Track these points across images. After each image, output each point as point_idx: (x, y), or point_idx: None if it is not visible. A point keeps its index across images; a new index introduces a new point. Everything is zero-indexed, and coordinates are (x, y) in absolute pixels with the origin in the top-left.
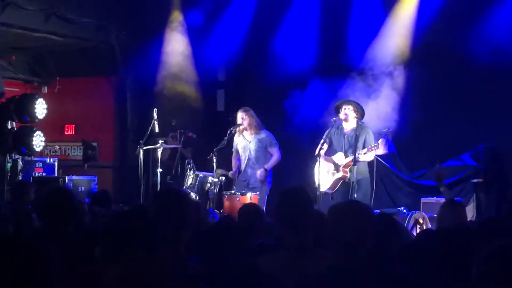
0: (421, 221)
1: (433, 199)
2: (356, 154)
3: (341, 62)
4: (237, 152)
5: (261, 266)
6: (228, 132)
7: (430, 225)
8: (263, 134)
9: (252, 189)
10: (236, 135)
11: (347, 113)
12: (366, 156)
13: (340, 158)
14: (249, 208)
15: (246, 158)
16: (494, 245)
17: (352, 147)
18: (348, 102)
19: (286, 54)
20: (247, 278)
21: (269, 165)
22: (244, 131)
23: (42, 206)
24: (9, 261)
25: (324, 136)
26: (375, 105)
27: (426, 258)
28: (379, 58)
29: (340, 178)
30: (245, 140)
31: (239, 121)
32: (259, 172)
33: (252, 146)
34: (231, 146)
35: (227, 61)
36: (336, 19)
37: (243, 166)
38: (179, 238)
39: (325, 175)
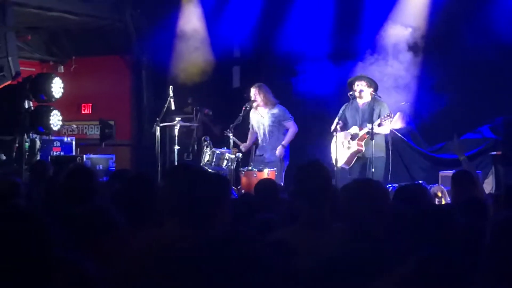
0: (439, 194)
1: (451, 172)
2: (370, 126)
3: (357, 40)
4: (253, 128)
5: (277, 240)
6: (243, 108)
7: (449, 199)
8: (277, 109)
9: (268, 164)
10: (252, 111)
11: (361, 89)
12: (381, 128)
13: (354, 132)
14: (265, 184)
15: (261, 134)
16: (504, 215)
17: (366, 121)
18: (360, 77)
19: (301, 31)
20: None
21: (286, 140)
22: (258, 107)
23: (62, 184)
24: (7, 233)
25: (339, 112)
26: (392, 80)
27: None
28: (395, 33)
29: (355, 152)
30: (259, 116)
31: (252, 97)
32: (278, 151)
33: (266, 121)
34: (247, 123)
35: (242, 38)
36: None
37: (259, 141)
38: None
39: (341, 150)
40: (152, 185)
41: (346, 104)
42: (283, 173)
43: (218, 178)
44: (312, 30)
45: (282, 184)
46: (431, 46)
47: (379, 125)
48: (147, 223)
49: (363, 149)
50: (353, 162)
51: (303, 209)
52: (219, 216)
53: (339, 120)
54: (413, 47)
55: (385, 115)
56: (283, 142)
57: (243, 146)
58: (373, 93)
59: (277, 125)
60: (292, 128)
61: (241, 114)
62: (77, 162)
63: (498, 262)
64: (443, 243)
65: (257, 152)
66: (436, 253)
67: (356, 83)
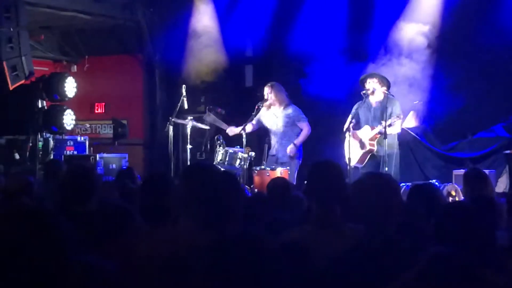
0: (453, 193)
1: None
2: (381, 126)
3: (369, 40)
4: (258, 122)
5: (288, 240)
6: (256, 107)
7: (463, 197)
8: (291, 109)
9: (282, 164)
10: (264, 110)
11: (373, 86)
12: (393, 128)
13: (366, 131)
14: (278, 182)
15: (275, 133)
16: None
17: (378, 120)
18: (372, 75)
19: (314, 30)
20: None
21: (299, 140)
22: (272, 106)
23: (61, 184)
24: (24, 231)
25: (352, 111)
26: (405, 79)
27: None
28: (408, 33)
29: (367, 152)
30: (273, 116)
31: (265, 96)
32: (289, 148)
33: (280, 121)
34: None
35: (255, 37)
36: None
37: (272, 141)
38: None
39: (354, 149)
40: (168, 185)
41: (359, 102)
42: (296, 173)
43: (230, 178)
44: (324, 30)
45: (294, 183)
46: (444, 46)
47: (389, 125)
48: (163, 222)
49: (375, 148)
50: (366, 161)
51: (314, 208)
52: (232, 215)
53: (352, 119)
54: (426, 47)
55: (395, 117)
56: (295, 141)
57: (229, 130)
58: (385, 92)
59: (290, 125)
60: (305, 128)
61: (254, 113)
62: (77, 162)
63: None
64: (455, 241)
65: (270, 152)
66: (443, 251)
67: (368, 80)
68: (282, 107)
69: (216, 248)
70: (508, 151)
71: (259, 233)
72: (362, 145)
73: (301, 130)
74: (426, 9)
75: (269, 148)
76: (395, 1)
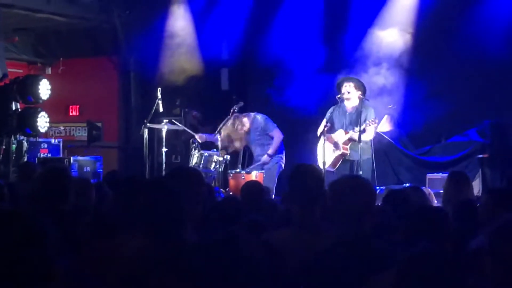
0: None
1: (438, 175)
2: (354, 130)
3: (344, 45)
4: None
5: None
6: (231, 110)
7: (435, 201)
8: (256, 122)
9: (266, 169)
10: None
11: (349, 90)
12: (366, 134)
13: (340, 135)
14: (252, 186)
15: (250, 143)
16: (501, 221)
17: (353, 124)
18: (349, 79)
19: (289, 35)
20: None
21: (272, 150)
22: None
23: (36, 186)
24: (4, 234)
25: (327, 115)
26: (379, 82)
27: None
28: (383, 41)
29: (340, 155)
30: (246, 134)
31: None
32: (263, 159)
33: (252, 134)
34: None
35: (231, 40)
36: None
37: (252, 150)
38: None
39: (327, 153)
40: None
41: (334, 106)
42: (276, 177)
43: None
44: (300, 35)
45: (274, 187)
46: (420, 53)
47: (363, 130)
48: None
49: (348, 152)
50: (338, 164)
51: (294, 211)
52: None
53: (327, 122)
54: (401, 54)
55: (370, 121)
56: (268, 151)
57: (199, 137)
58: (361, 97)
59: (262, 135)
60: (276, 135)
61: (229, 117)
62: (51, 164)
63: (498, 268)
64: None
65: (255, 159)
66: (427, 249)
67: (345, 84)
68: (248, 125)
69: (196, 251)
70: (481, 155)
71: (240, 235)
72: (336, 148)
73: (272, 138)
74: (401, 16)
75: (244, 153)
76: (370, 8)
